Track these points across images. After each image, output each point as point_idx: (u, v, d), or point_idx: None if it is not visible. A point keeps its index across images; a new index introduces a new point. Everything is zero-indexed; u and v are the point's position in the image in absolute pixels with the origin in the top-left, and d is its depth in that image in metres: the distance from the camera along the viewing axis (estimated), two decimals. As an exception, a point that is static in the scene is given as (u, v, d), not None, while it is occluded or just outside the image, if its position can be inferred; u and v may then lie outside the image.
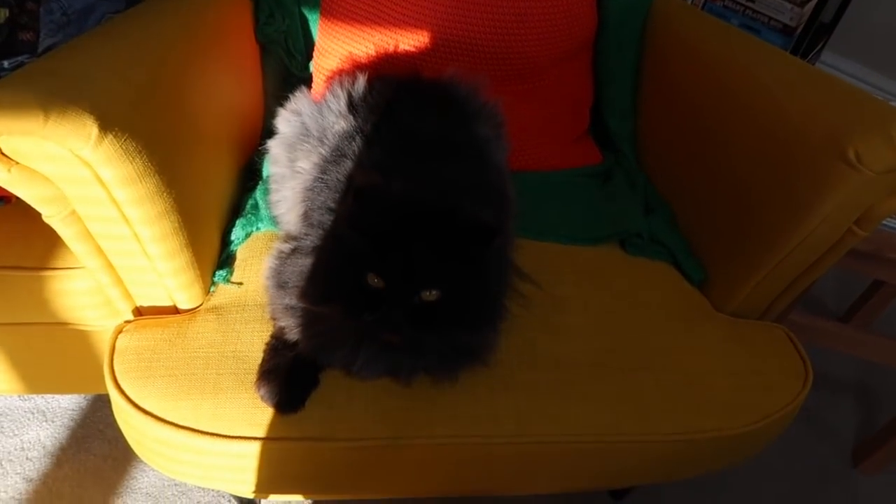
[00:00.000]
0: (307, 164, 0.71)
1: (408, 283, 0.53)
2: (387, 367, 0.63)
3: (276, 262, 0.66)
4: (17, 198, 0.58)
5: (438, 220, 0.53)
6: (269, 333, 0.68)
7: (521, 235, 0.80)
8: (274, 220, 0.79)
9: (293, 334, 0.63)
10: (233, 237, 0.78)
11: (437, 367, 0.63)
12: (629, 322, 0.75)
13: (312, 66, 0.95)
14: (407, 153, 0.66)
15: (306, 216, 0.68)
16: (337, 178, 0.66)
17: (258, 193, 0.82)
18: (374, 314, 0.53)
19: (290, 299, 0.62)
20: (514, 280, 0.72)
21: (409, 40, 0.86)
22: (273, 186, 0.78)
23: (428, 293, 0.53)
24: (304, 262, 0.61)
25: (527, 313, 0.71)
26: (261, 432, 0.62)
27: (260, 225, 0.79)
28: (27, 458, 0.95)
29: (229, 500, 0.94)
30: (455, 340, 0.60)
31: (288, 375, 0.63)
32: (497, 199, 0.70)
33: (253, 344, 0.67)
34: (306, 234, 0.64)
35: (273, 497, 0.75)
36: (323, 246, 0.60)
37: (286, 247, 0.66)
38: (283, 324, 0.64)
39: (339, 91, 0.75)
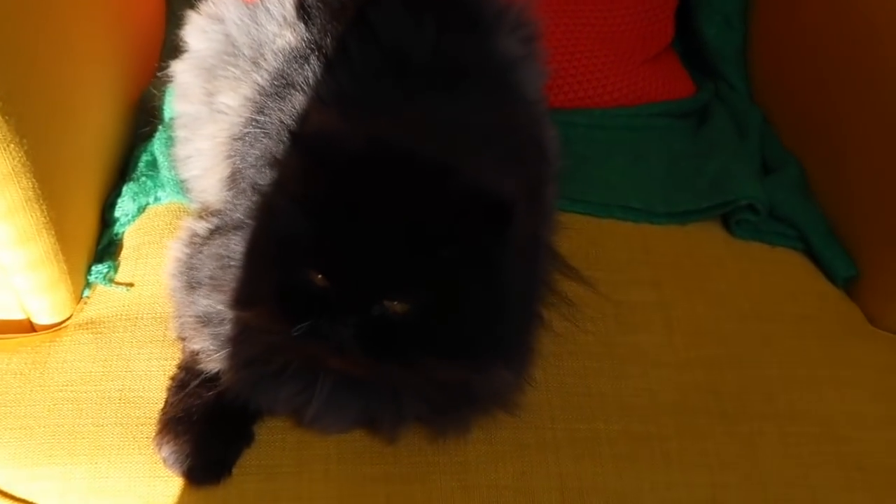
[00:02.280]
0: (234, 100, 0.71)
1: (362, 285, 0.53)
2: (358, 413, 0.63)
3: (188, 250, 0.66)
4: None
5: (422, 186, 0.53)
6: (176, 362, 0.68)
7: (566, 209, 0.80)
8: (181, 187, 0.79)
9: (213, 362, 0.63)
10: (118, 213, 0.78)
11: (436, 414, 0.63)
12: (738, 343, 0.75)
13: (242, -52, 0.96)
14: (389, 82, 0.66)
15: (233, 179, 0.68)
16: (280, 121, 0.66)
17: (157, 145, 0.82)
18: (309, 325, 0.53)
19: (209, 306, 0.62)
20: (554, 279, 0.72)
21: None
22: (181, 134, 0.78)
23: (394, 304, 0.53)
24: (231, 248, 0.61)
25: (577, 331, 0.72)
26: (164, 515, 0.63)
27: (160, 193, 0.79)
28: None
29: None
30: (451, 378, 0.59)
31: (205, 427, 0.64)
32: (528, 151, 0.70)
33: (150, 378, 0.68)
34: (235, 206, 0.64)
35: None
36: (256, 222, 0.60)
37: (202, 227, 0.66)
38: (196, 346, 0.64)
39: (283, -15, 0.75)
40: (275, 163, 0.61)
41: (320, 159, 0.53)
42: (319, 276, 0.53)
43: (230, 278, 0.59)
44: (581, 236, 0.79)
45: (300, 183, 0.54)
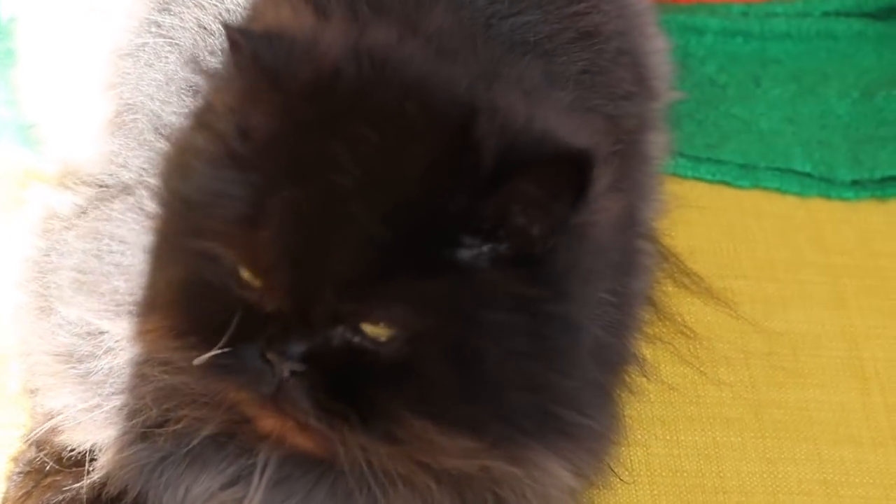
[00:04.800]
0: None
1: (319, 292, 0.52)
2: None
3: (42, 243, 0.68)
4: None
5: (434, 132, 0.53)
6: (23, 433, 0.70)
7: (685, 174, 0.81)
8: (28, 135, 0.83)
9: (84, 431, 0.63)
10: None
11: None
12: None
13: None
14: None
15: (120, 121, 0.69)
16: (199, 24, 0.67)
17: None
18: (229, 353, 0.53)
19: (76, 327, 0.62)
20: (661, 292, 0.73)
21: None
22: (28, 47, 0.81)
23: (370, 325, 0.53)
24: (113, 222, 0.62)
25: (701, 382, 0.73)
26: None
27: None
28: None
29: None
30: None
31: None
32: (617, 76, 0.71)
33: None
34: (124, 162, 0.66)
35: None
36: (159, 182, 0.60)
37: (66, 202, 0.68)
38: (57, 403, 0.65)
39: None
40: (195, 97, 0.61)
41: (272, 76, 0.53)
42: (248, 271, 0.53)
43: (110, 269, 0.60)
44: (710, 220, 0.79)
45: (235, 115, 0.54)
